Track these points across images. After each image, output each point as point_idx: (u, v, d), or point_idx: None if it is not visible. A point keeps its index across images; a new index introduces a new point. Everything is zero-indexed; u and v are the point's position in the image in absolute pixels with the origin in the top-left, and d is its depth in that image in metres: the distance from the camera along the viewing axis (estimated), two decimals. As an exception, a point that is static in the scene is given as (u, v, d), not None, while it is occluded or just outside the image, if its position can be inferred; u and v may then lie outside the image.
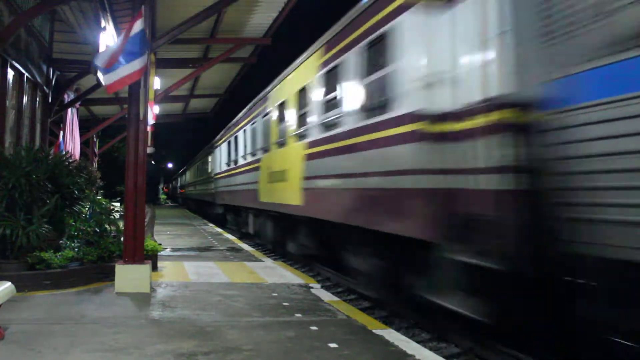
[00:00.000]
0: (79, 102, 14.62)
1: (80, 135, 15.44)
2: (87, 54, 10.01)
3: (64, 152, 11.39)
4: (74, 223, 8.15)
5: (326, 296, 7.00)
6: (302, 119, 9.68)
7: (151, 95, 9.02)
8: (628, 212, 3.41)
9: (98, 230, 8.24)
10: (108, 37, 8.51)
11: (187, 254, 11.26)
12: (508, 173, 4.25)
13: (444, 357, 4.80)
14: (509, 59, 4.31)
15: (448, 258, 4.93)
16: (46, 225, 7.21)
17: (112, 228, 8.68)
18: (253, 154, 14.44)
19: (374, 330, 5.24)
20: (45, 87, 11.27)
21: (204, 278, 8.11)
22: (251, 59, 13.96)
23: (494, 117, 4.40)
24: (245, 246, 13.28)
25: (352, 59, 7.22)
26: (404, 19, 5.80)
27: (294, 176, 9.98)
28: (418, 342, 5.20)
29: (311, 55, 9.26)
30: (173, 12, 9.66)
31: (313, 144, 8.85)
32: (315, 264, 10.70)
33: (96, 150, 19.58)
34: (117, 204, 13.12)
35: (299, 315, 5.82)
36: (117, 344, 4.55)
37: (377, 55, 6.54)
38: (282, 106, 11.25)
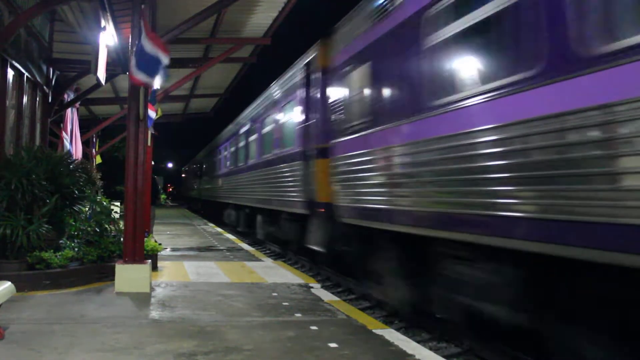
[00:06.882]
0: (79, 102, 14.59)
1: (81, 135, 15.40)
2: (87, 53, 9.96)
3: (67, 152, 11.39)
4: (74, 223, 8.14)
5: (326, 296, 7.01)
6: None
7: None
8: None
9: (98, 230, 8.24)
10: (108, 37, 8.50)
11: (187, 253, 11.27)
12: None
13: (444, 357, 4.80)
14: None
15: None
16: (46, 225, 7.20)
17: (112, 228, 8.68)
18: None
19: (374, 330, 5.24)
20: (45, 87, 11.25)
21: (203, 278, 8.11)
22: (251, 58, 13.96)
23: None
24: (245, 246, 13.29)
25: None
26: None
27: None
28: (418, 341, 5.20)
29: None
30: (173, 12, 9.65)
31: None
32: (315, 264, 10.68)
33: (95, 150, 19.52)
34: (118, 204, 13.11)
35: (299, 315, 5.83)
36: (117, 343, 4.55)
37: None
38: None
